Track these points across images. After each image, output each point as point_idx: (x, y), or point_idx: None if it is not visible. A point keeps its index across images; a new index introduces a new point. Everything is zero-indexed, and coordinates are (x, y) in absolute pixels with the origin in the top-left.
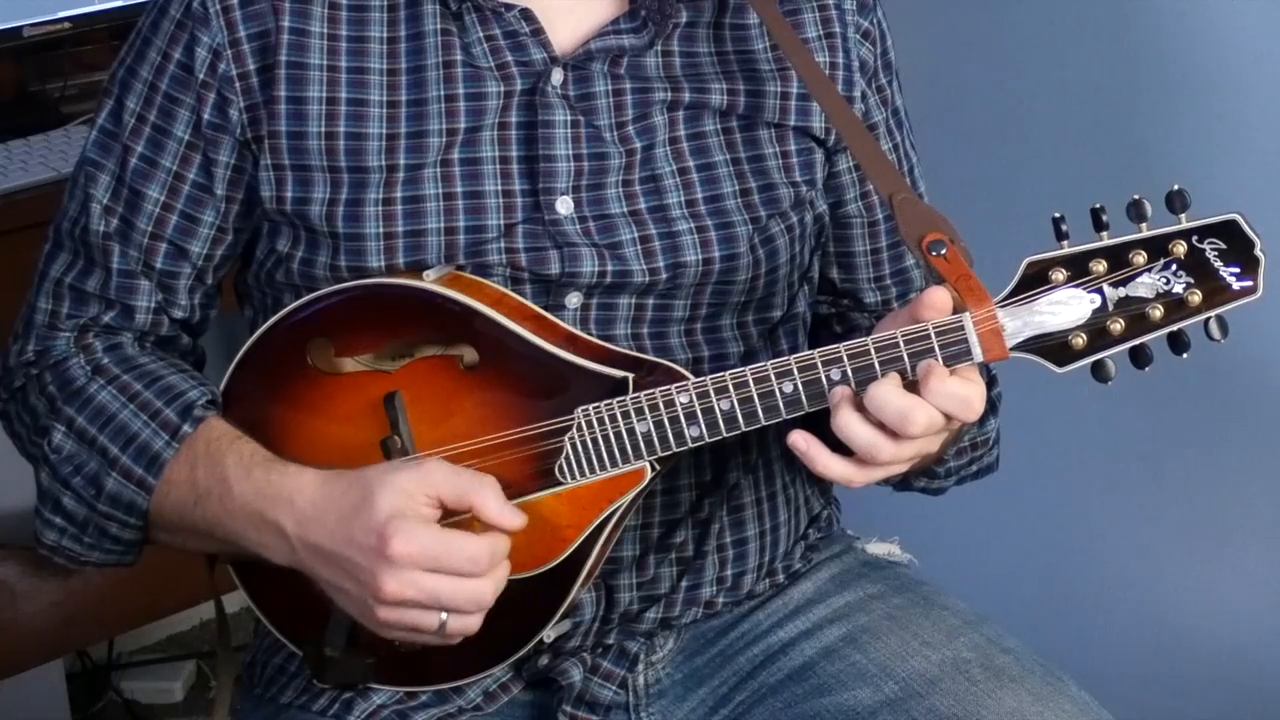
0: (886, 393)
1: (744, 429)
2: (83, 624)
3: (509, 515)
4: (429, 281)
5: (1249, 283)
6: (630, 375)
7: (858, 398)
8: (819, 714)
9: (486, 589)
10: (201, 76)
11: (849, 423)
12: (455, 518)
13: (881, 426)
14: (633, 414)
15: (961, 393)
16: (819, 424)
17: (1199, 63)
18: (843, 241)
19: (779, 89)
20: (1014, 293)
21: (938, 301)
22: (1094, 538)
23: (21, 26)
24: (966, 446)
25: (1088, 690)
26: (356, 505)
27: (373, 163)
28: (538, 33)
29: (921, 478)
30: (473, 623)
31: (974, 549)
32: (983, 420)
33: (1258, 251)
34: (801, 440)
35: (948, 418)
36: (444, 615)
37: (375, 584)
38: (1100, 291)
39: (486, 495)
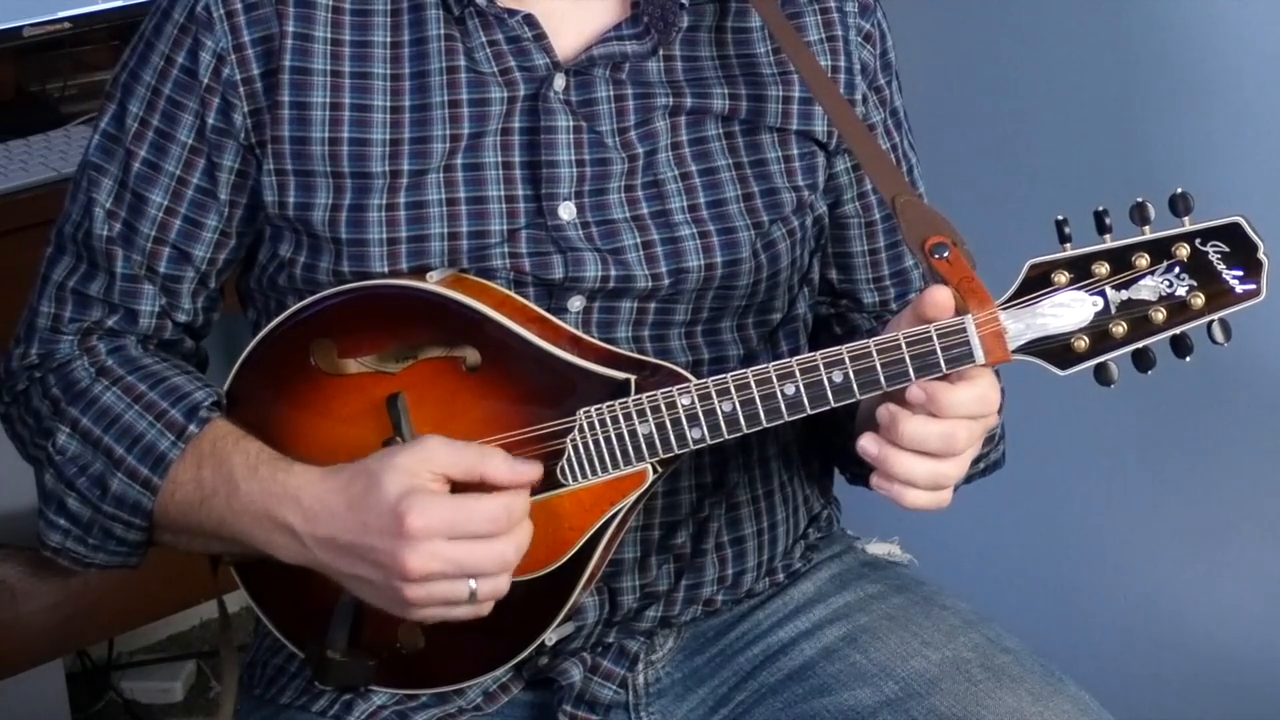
0: (919, 427)
1: (745, 430)
2: (83, 624)
3: (522, 469)
4: (432, 283)
5: (1252, 285)
6: (632, 377)
7: (892, 439)
8: (819, 714)
9: (509, 548)
10: (205, 81)
11: (909, 466)
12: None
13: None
14: (634, 416)
15: (971, 395)
16: (826, 428)
17: (1202, 65)
18: (840, 242)
19: (781, 93)
20: (1016, 295)
21: (940, 299)
22: (1094, 538)
23: (21, 26)
24: None
25: (1088, 690)
26: (364, 492)
27: (376, 168)
28: (540, 38)
29: None
30: (502, 584)
31: (974, 549)
32: None
33: (1261, 254)
34: (884, 481)
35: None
36: (472, 583)
37: (398, 564)
38: (1103, 294)
39: (493, 460)
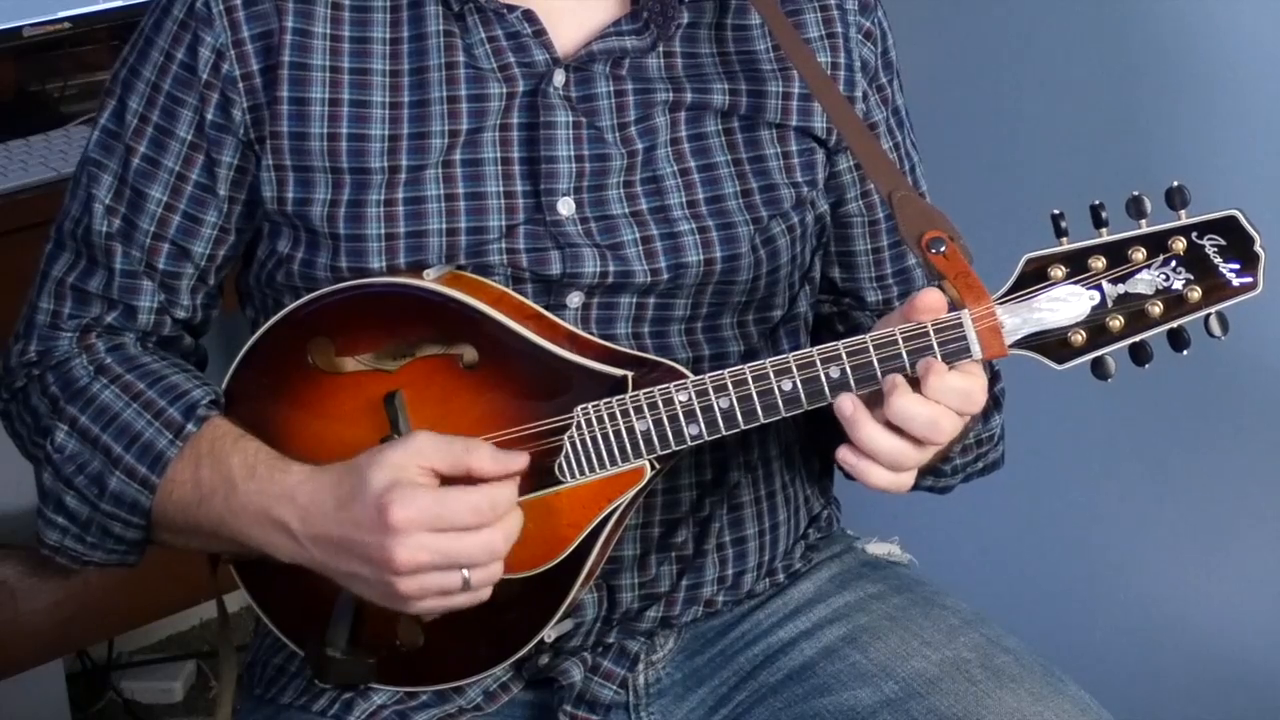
0: (910, 404)
1: (743, 427)
2: (83, 624)
3: (507, 460)
4: (429, 281)
5: (1249, 279)
6: (630, 374)
7: (871, 409)
8: (819, 714)
9: (497, 537)
10: (205, 77)
11: (874, 436)
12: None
13: (901, 433)
14: (632, 412)
15: (961, 386)
16: (827, 428)
17: (1199, 59)
18: (844, 241)
19: (781, 89)
20: (1013, 290)
21: (931, 303)
22: (1094, 538)
23: (21, 26)
24: (972, 444)
25: (1088, 690)
26: (353, 488)
27: (375, 164)
28: (540, 34)
29: (929, 476)
30: (495, 571)
31: (974, 549)
32: (987, 416)
33: (1257, 247)
34: (852, 455)
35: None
36: (465, 572)
37: (386, 557)
38: (1099, 288)
39: (479, 453)
